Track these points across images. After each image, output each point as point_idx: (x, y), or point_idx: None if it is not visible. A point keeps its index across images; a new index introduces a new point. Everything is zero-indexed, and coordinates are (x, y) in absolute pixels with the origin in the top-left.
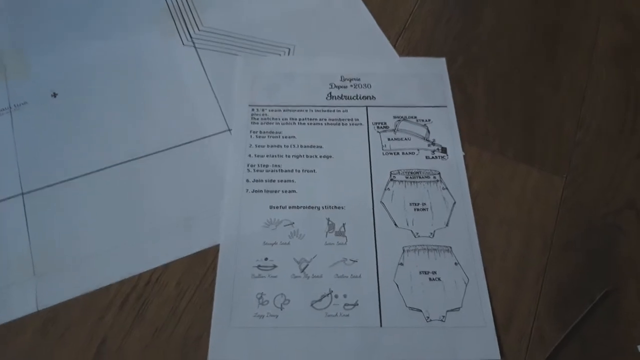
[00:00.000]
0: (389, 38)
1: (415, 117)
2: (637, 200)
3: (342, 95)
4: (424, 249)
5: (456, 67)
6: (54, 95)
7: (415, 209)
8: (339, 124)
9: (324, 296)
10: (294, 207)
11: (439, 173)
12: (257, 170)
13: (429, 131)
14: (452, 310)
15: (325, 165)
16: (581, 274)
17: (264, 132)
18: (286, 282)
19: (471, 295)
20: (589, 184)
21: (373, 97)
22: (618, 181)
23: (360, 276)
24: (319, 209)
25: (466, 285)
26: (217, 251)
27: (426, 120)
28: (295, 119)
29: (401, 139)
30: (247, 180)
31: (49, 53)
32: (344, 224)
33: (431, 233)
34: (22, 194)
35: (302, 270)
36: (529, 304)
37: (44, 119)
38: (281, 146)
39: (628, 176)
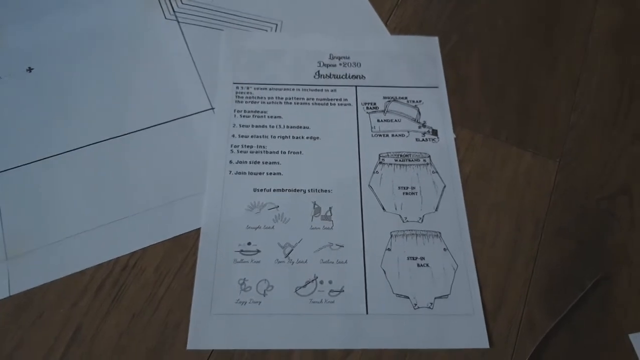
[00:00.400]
0: (380, 15)
1: (406, 98)
2: (631, 186)
3: (330, 74)
4: (413, 234)
5: (449, 47)
6: (30, 69)
7: (404, 193)
8: (327, 104)
9: (308, 282)
10: (278, 190)
11: (429, 156)
12: (240, 151)
13: (419, 113)
14: (440, 297)
15: (312, 147)
16: (573, 261)
17: (249, 112)
18: (270, 268)
19: (460, 281)
20: (583, 169)
21: (363, 77)
22: (612, 166)
23: (346, 262)
24: (304, 192)
25: (455, 272)
26: (198, 235)
27: (417, 101)
28: (282, 98)
29: (391, 120)
30: (231, 162)
31: (24, 25)
32: (330, 208)
33: (420, 218)
34: None
35: (287, 256)
36: (519, 291)
37: (19, 95)
38: (266, 126)
39: (622, 161)
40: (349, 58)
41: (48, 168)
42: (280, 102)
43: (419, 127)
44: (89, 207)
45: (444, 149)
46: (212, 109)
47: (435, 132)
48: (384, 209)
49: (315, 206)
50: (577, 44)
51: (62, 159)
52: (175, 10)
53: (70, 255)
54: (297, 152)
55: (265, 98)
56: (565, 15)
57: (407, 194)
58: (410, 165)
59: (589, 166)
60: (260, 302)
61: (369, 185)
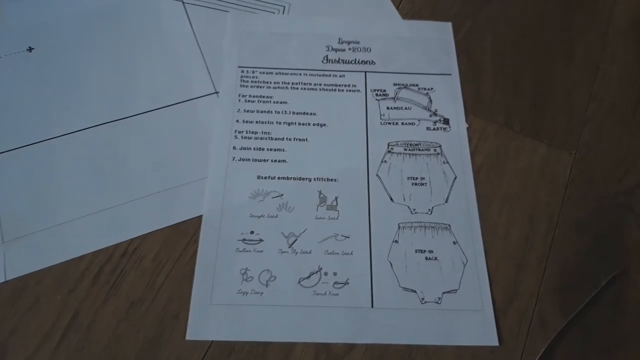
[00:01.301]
0: None
1: (417, 85)
2: None
3: (339, 59)
4: (421, 226)
5: (463, 33)
6: (30, 49)
7: (413, 184)
8: (335, 90)
9: (312, 273)
10: (283, 177)
11: (440, 146)
12: (245, 137)
13: (431, 100)
14: (448, 292)
15: (319, 134)
16: (587, 257)
17: (254, 96)
18: (272, 258)
19: (469, 276)
20: (599, 161)
21: (372, 62)
22: (630, 159)
23: (351, 253)
24: (310, 180)
25: (464, 266)
26: (200, 223)
27: (428, 89)
28: (288, 83)
29: (401, 108)
30: (234, 148)
31: (24, 3)
32: (336, 198)
33: (429, 209)
34: None
35: (290, 245)
36: (530, 287)
37: (19, 75)
38: (272, 112)
39: None
40: (358, 43)
41: (47, 150)
42: (287, 87)
43: (430, 116)
44: (89, 191)
45: (456, 139)
46: (217, 93)
47: (446, 121)
48: (392, 199)
49: (321, 195)
50: (597, 33)
51: (62, 141)
52: None
53: (69, 240)
54: (303, 139)
55: (271, 83)
56: (584, 2)
57: (416, 184)
58: (420, 154)
59: (606, 159)
60: (262, 293)
61: (376, 175)
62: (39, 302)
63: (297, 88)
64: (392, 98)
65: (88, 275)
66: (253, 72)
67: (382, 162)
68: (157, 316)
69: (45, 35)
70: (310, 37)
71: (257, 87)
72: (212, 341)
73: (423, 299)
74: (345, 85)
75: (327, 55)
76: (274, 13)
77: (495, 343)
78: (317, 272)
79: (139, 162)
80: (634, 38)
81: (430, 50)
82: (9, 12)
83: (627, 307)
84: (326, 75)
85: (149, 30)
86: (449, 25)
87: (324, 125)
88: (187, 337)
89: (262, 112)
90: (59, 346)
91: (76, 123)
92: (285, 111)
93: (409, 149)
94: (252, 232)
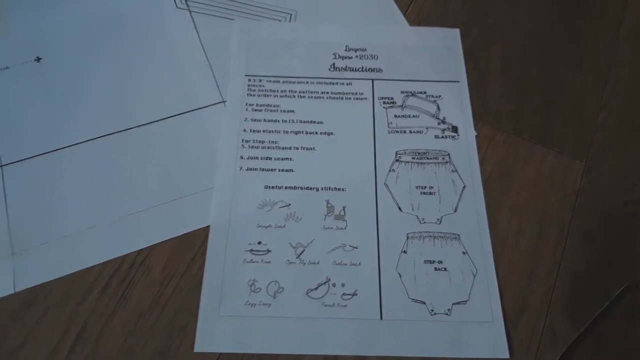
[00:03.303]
0: (399, 5)
1: (425, 93)
2: None
3: (346, 67)
4: (430, 236)
5: (471, 40)
6: (38, 59)
7: (421, 193)
8: (342, 98)
9: (320, 284)
10: (290, 187)
11: (449, 154)
12: (252, 147)
13: (439, 108)
14: (458, 303)
15: (326, 143)
16: (598, 268)
17: (261, 105)
18: (280, 269)
19: (479, 287)
20: (610, 170)
21: (380, 70)
22: None
23: (360, 264)
24: (317, 190)
25: (474, 277)
26: (207, 233)
27: (436, 97)
28: (295, 92)
29: (409, 116)
30: (242, 157)
31: (33, 13)
32: (344, 207)
33: (438, 219)
34: (1, 166)
35: (298, 256)
36: (541, 298)
37: (27, 85)
38: (279, 121)
39: None
40: (365, 50)
41: (55, 161)
42: (294, 96)
43: (438, 124)
44: (97, 202)
45: (464, 147)
46: (223, 102)
47: (455, 129)
48: (400, 209)
49: (329, 205)
50: (606, 39)
51: (69, 152)
52: None
53: (77, 252)
54: (311, 148)
55: (278, 91)
56: (593, 8)
57: (424, 193)
58: (429, 163)
59: (617, 168)
60: (270, 305)
61: (384, 184)
62: (47, 314)
63: (304, 96)
64: (400, 106)
65: (96, 287)
66: (260, 80)
67: (390, 170)
68: (165, 328)
69: (53, 44)
70: (317, 45)
71: (264, 95)
72: (221, 353)
73: (432, 310)
74: (352, 93)
75: (334, 63)
76: (280, 21)
77: (506, 355)
78: (325, 283)
79: (147, 172)
80: None
81: (438, 57)
82: (19, 23)
83: (639, 318)
84: (333, 84)
85: (155, 39)
86: (456, 32)
87: (332, 134)
88: (196, 349)
89: (269, 121)
90: (68, 359)
91: (84, 133)
92: (293, 120)
93: (417, 158)
94: (259, 243)
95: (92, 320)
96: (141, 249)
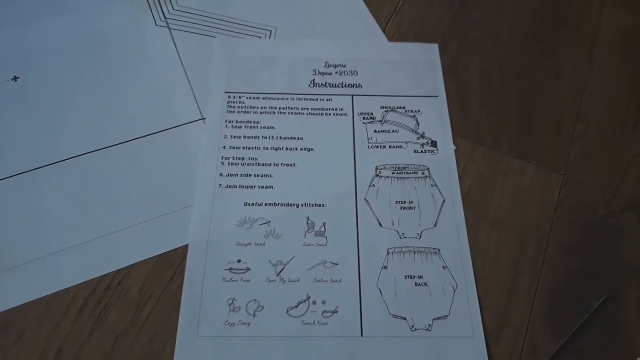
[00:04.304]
0: (378, 21)
1: (405, 108)
2: (639, 201)
3: (326, 83)
4: (410, 251)
5: (449, 54)
6: (15, 79)
7: (401, 208)
8: (322, 114)
9: (301, 302)
10: (271, 204)
11: (428, 169)
12: (232, 164)
13: (418, 123)
14: (439, 318)
15: (306, 159)
16: (578, 280)
17: (241, 122)
18: (260, 287)
19: (460, 302)
20: (589, 183)
21: (360, 86)
22: (620, 180)
23: (340, 281)
24: (298, 206)
25: (455, 292)
26: (186, 252)
27: (416, 112)
28: (275, 108)
29: (389, 131)
30: (221, 175)
31: (10, 32)
32: (324, 224)
33: (418, 234)
34: None
35: (278, 274)
36: (521, 312)
37: (4, 105)
38: (259, 137)
39: (630, 175)
40: (345, 66)
41: (32, 181)
42: (274, 112)
43: (418, 139)
44: (74, 222)
45: (444, 162)
46: (203, 119)
47: (434, 144)
48: (380, 224)
49: (309, 221)
50: (583, 52)
51: (46, 171)
52: (166, 16)
53: (55, 273)
54: (291, 165)
55: (258, 108)
56: (570, 22)
57: (405, 208)
58: (409, 178)
59: (596, 180)
60: (249, 324)
61: (365, 200)
62: (23, 337)
63: (285, 113)
64: (380, 121)
65: (73, 309)
66: (240, 97)
67: (370, 186)
68: (143, 350)
69: (30, 63)
70: (297, 61)
71: (244, 112)
72: None
73: (413, 326)
74: (332, 109)
75: (314, 80)
76: (260, 38)
77: None
78: (305, 301)
79: (125, 191)
80: (621, 56)
81: (417, 72)
82: None
83: (619, 330)
84: (313, 100)
85: (134, 57)
86: (435, 47)
87: (312, 150)
88: None
89: (249, 137)
90: None
91: (61, 152)
92: (273, 136)
93: (397, 173)
94: (239, 261)
95: (68, 344)
96: (119, 270)
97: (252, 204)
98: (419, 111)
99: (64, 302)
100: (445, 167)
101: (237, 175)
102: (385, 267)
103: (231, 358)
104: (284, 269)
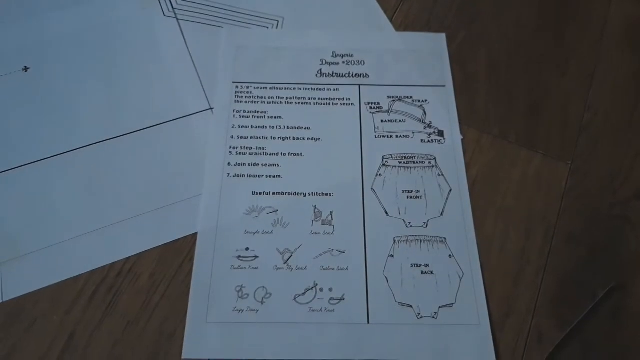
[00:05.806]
0: (385, 11)
1: (411, 97)
2: None
3: (333, 73)
4: (417, 239)
5: (457, 44)
6: (25, 69)
7: (408, 197)
8: (329, 104)
9: (308, 290)
10: (278, 193)
11: (435, 158)
12: (239, 153)
13: (425, 113)
14: (444, 306)
15: (313, 149)
16: (584, 269)
17: (248, 112)
18: (268, 274)
19: (466, 290)
20: (596, 172)
21: (367, 75)
22: (627, 169)
23: (347, 268)
24: (305, 195)
25: (460, 280)
26: (195, 240)
27: (423, 101)
28: (282, 98)
29: (395, 120)
30: (229, 164)
31: (20, 23)
32: (331, 212)
33: (424, 223)
34: None
35: (286, 262)
36: (527, 301)
37: (15, 95)
38: (266, 127)
39: (637, 164)
40: (352, 56)
41: (42, 170)
42: (281, 102)
43: (425, 128)
44: (84, 210)
45: (451, 151)
46: (211, 109)
47: (441, 133)
48: (387, 213)
49: (316, 210)
50: (591, 42)
51: (56, 161)
52: (174, 6)
53: (65, 260)
54: (298, 154)
55: (265, 98)
56: (578, 11)
57: (411, 197)
58: (415, 167)
59: (602, 169)
60: (257, 311)
61: (371, 189)
62: (35, 324)
63: (292, 102)
64: (387, 111)
65: (84, 296)
66: (247, 87)
67: (377, 175)
68: (153, 335)
69: (40, 54)
70: (304, 51)
71: (252, 102)
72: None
73: (419, 313)
74: (339, 99)
75: (321, 69)
76: (267, 28)
77: (493, 358)
78: (312, 288)
79: (134, 180)
80: (628, 46)
81: (424, 62)
82: (6, 32)
83: (625, 319)
84: (320, 89)
85: (143, 47)
86: (442, 37)
87: (319, 139)
88: (183, 356)
89: (256, 127)
90: None
91: (70, 142)
92: (280, 126)
93: (404, 162)
94: (247, 249)
95: (79, 330)
96: (129, 257)
97: (260, 193)
98: (426, 100)
99: (75, 288)
100: (452, 157)
101: (244, 164)
102: (392, 255)
103: (239, 343)
104: (291, 256)
